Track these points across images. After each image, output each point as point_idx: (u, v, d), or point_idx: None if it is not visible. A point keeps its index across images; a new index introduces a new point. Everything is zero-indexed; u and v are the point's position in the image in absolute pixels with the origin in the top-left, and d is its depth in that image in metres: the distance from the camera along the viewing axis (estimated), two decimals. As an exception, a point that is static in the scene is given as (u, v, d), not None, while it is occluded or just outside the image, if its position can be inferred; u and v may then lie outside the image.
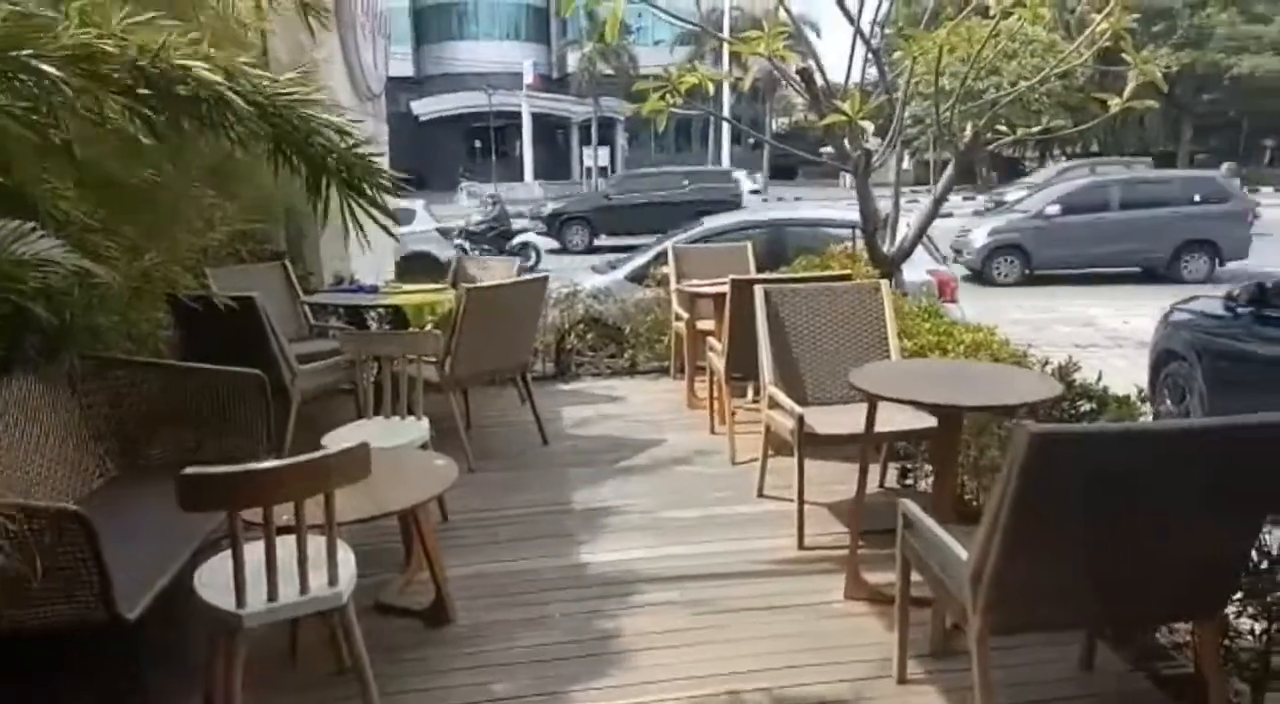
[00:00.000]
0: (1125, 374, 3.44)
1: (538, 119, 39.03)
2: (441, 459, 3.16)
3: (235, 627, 2.21)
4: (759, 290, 3.94)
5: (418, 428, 3.72)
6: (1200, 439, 1.85)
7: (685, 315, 5.63)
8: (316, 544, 2.29)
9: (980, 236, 13.85)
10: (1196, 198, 13.46)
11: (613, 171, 40.94)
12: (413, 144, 23.80)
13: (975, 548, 2.08)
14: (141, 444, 3.44)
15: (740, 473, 4.37)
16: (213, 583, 2.31)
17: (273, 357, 4.26)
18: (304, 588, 2.27)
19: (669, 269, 6.25)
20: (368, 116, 7.70)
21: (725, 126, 30.76)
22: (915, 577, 2.52)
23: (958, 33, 4.51)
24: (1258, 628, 2.35)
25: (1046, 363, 3.31)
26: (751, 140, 43.18)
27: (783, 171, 42.21)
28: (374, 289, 5.53)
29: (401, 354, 3.83)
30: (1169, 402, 5.52)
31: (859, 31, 4.90)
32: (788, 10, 5.32)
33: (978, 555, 2.06)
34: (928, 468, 4.10)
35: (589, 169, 38.47)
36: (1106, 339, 9.91)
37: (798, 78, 5.11)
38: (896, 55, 5.05)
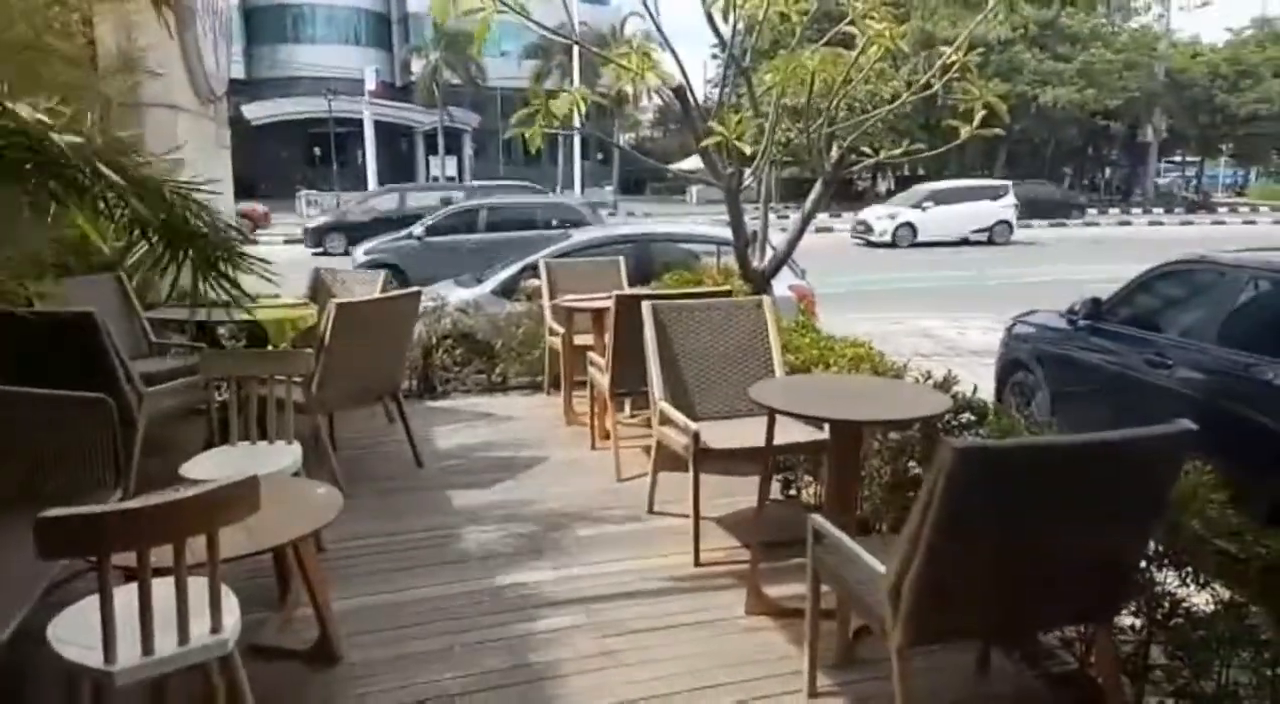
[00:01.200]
0: (964, 381, 3.63)
1: (381, 127, 37.80)
2: (322, 487, 2.95)
3: (104, 685, 1.96)
4: (647, 306, 3.92)
5: (289, 453, 3.46)
6: (1103, 451, 1.96)
7: (561, 330, 5.55)
8: (195, 590, 2.06)
9: (358, 254, 14.83)
10: (554, 221, 14.49)
11: (460, 181, 40.27)
12: (245, 150, 22.41)
13: (894, 561, 2.11)
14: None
15: (627, 489, 4.33)
16: (72, 636, 2.04)
17: (115, 378, 3.86)
18: (184, 637, 2.04)
19: (541, 283, 6.15)
20: (209, 119, 7.20)
21: (576, 140, 30.87)
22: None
23: (828, 58, 4.66)
24: (1136, 623, 2.51)
25: (929, 376, 3.45)
26: (600, 155, 43.58)
27: (632, 186, 42.82)
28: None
29: (271, 374, 3.55)
30: (1015, 408, 5.90)
31: (731, 54, 5.00)
32: (659, 29, 5.38)
33: (897, 568, 2.10)
34: (807, 478, 4.20)
35: (435, 178, 37.65)
36: (946, 348, 10.53)
37: (672, 95, 5.16)
38: (767, 77, 5.17)
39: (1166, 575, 2.41)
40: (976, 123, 5.05)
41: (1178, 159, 48.94)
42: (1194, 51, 40.99)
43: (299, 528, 2.62)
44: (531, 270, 7.03)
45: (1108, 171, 47.57)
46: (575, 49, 25.16)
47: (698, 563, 3.49)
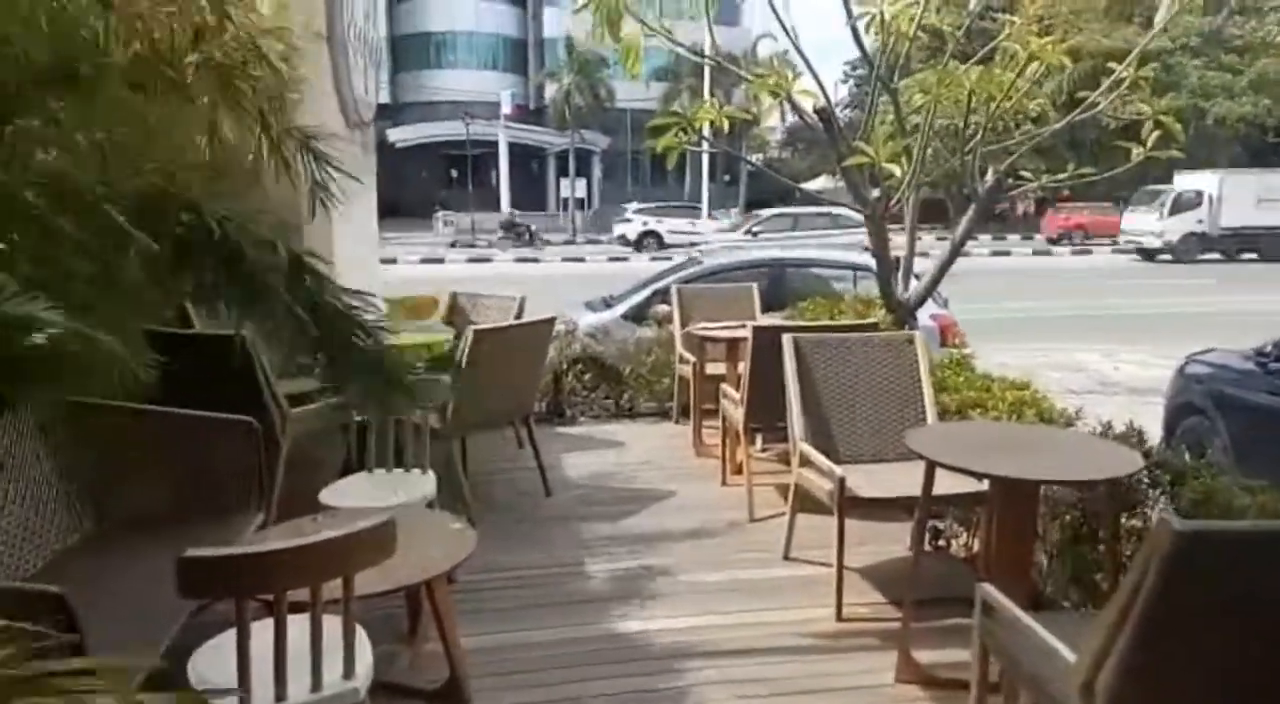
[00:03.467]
0: (1121, 421, 3.27)
1: (514, 149, 38.91)
2: (457, 521, 2.89)
3: (236, 729, 1.91)
4: (788, 340, 3.72)
5: (424, 483, 3.43)
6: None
7: (692, 359, 5.40)
8: (329, 629, 2.00)
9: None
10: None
11: (589, 204, 40.95)
12: (388, 172, 23.53)
13: (1088, 651, 1.84)
14: (117, 497, 3.12)
15: (760, 530, 4.12)
16: (210, 674, 2.01)
17: (262, 400, 3.95)
18: (317, 683, 1.98)
19: (672, 309, 6.03)
20: (356, 145, 7.45)
21: (704, 159, 30.85)
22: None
23: (986, 76, 4.37)
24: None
25: (1109, 426, 3.11)
26: (726, 176, 43.48)
27: (757, 207, 42.48)
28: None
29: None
30: (1187, 457, 5.36)
31: (876, 72, 4.76)
32: (799, 50, 5.19)
33: (1092, 660, 1.82)
34: (957, 527, 3.89)
35: (565, 200, 38.40)
36: (1099, 384, 9.82)
37: (815, 116, 4.96)
38: (916, 97, 4.90)
39: None
40: (1151, 143, 4.64)
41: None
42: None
43: (433, 566, 2.55)
44: (662, 296, 6.94)
45: (1278, 192, 43.87)
46: (706, 71, 25.19)
47: (840, 618, 3.25)
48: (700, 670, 2.92)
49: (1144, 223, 26.72)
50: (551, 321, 4.66)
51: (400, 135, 37.49)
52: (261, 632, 1.92)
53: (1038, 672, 2.06)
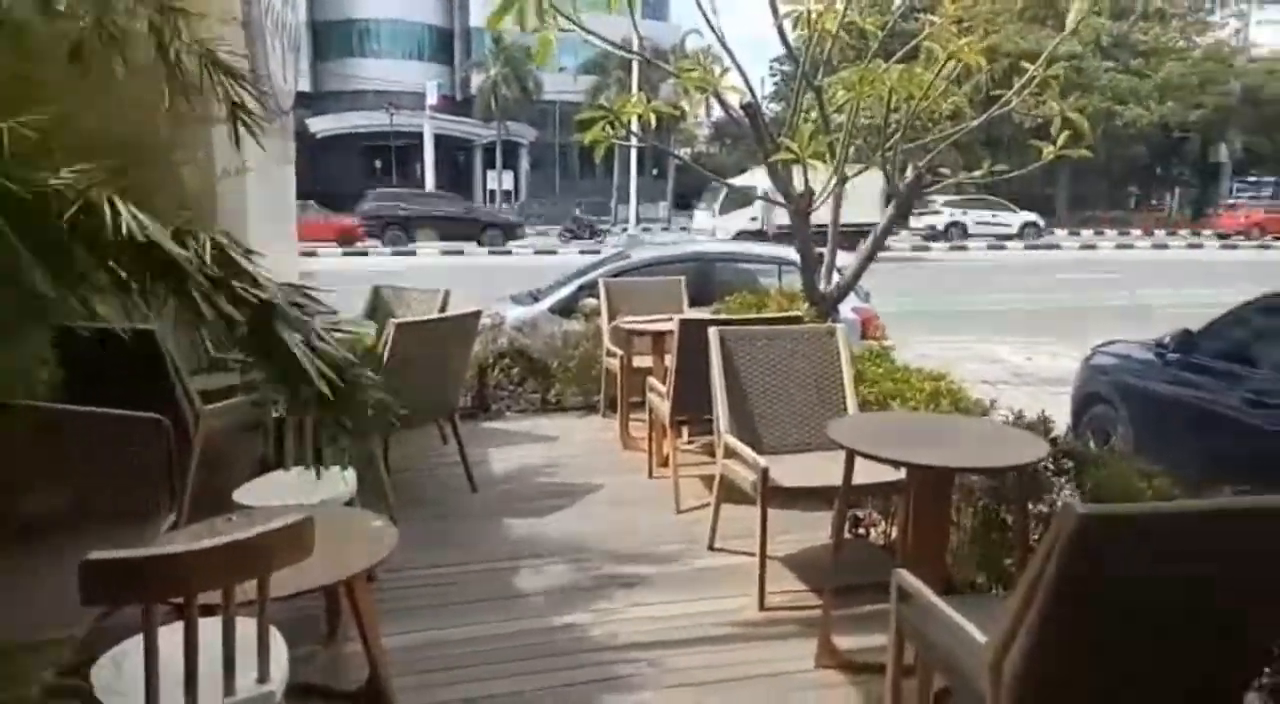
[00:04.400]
0: (1032, 410, 3.40)
1: (441, 140, 38.35)
2: (378, 519, 2.84)
3: (144, 740, 1.84)
4: (713, 333, 3.75)
5: (344, 481, 3.36)
6: (1247, 519, 1.73)
7: (619, 352, 5.41)
8: (244, 631, 1.95)
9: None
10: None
11: (517, 196, 40.61)
12: (309, 162, 22.89)
13: (998, 632, 1.90)
14: (16, 502, 2.97)
15: (686, 522, 4.16)
16: (114, 684, 1.94)
17: (173, 396, 3.81)
18: (229, 689, 1.92)
19: (600, 303, 6.03)
20: (276, 134, 7.23)
21: (633, 153, 30.86)
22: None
23: (907, 75, 4.48)
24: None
25: (1020, 415, 3.22)
26: (654, 170, 43.60)
27: (685, 201, 42.69)
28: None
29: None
30: (1092, 443, 5.59)
31: (803, 70, 4.83)
32: (726, 46, 5.22)
33: (1001, 641, 1.89)
34: (876, 515, 3.98)
35: (492, 191, 38.03)
36: (1012, 375, 10.16)
37: (741, 112, 5.01)
38: (839, 95, 4.99)
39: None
40: (1060, 142, 4.81)
41: (1253, 179, 47.28)
42: (1272, 67, 39.57)
43: (353, 564, 2.50)
44: (589, 289, 6.93)
45: (1176, 191, 46.09)
46: (634, 64, 25.19)
47: (762, 607, 3.30)
48: (626, 663, 2.93)
49: (700, 219, 26.87)
50: (477, 315, 4.61)
51: (322, 125, 36.59)
52: (170, 636, 1.86)
53: (950, 654, 2.13)
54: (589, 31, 4.74)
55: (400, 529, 2.68)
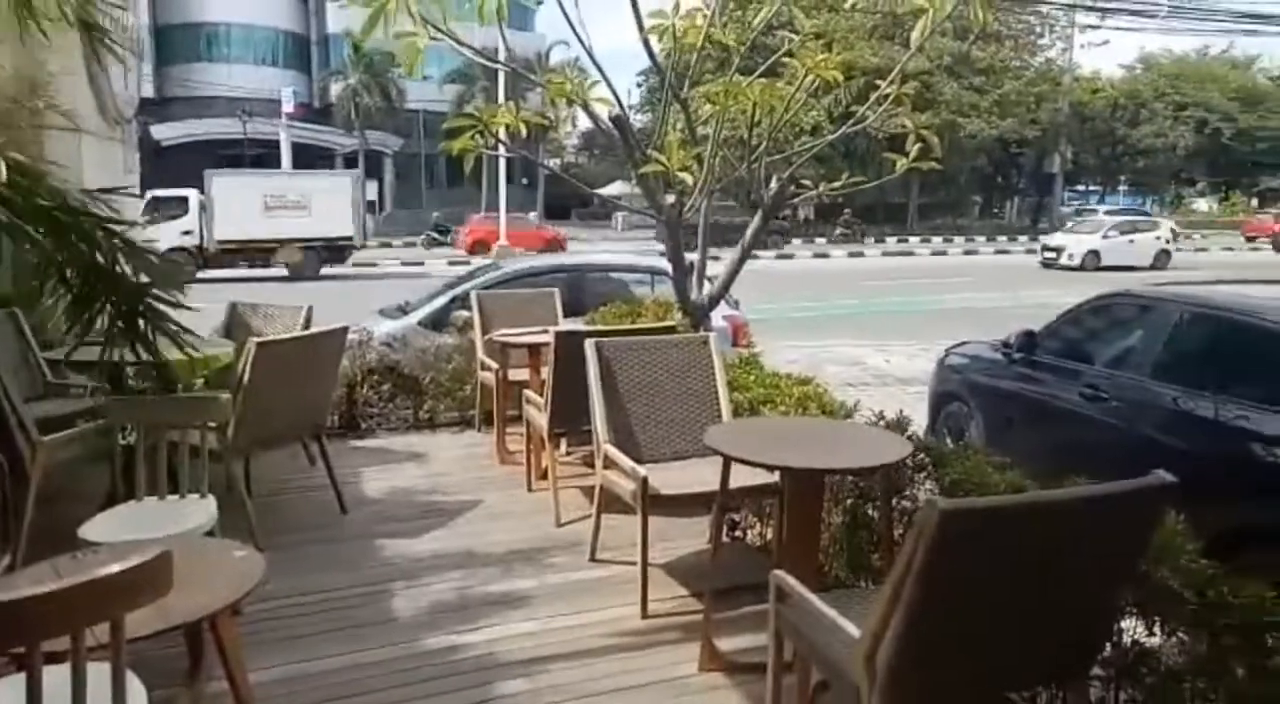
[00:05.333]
0: (892, 411, 3.57)
1: (299, 149, 36.87)
2: (241, 549, 2.70)
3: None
4: (590, 345, 3.75)
5: (202, 509, 3.17)
6: (1089, 505, 1.87)
7: (494, 365, 5.34)
8: (96, 677, 1.81)
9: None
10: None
11: (382, 207, 39.55)
12: (155, 172, 21.43)
13: (869, 625, 1.98)
14: None
15: (567, 534, 4.14)
16: (-56, 746, 1.76)
17: (6, 429, 3.52)
18: (81, 742, 1.78)
19: (473, 315, 5.94)
20: (117, 142, 6.80)
21: (501, 163, 30.56)
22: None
23: (769, 89, 4.62)
24: (1102, 673, 2.44)
25: (881, 416, 3.37)
26: (524, 179, 43.38)
27: (556, 213, 42.68)
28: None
29: (186, 421, 3.27)
30: (949, 440, 5.91)
31: (668, 83, 4.91)
32: (593, 57, 5.26)
33: (873, 633, 1.97)
34: (752, 518, 4.08)
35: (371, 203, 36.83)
36: (873, 377, 10.62)
37: (610, 123, 5.04)
38: (705, 107, 5.10)
39: (1136, 625, 2.35)
40: (913, 155, 5.06)
41: (1081, 188, 51.28)
42: (1094, 86, 43.09)
43: (216, 599, 2.37)
44: (461, 302, 6.82)
45: (1016, 200, 49.48)
46: (501, 75, 25.00)
47: (645, 615, 3.32)
48: (511, 680, 2.88)
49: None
50: (343, 331, 4.46)
51: (168, 133, 34.58)
52: (13, 689, 1.71)
53: (827, 649, 2.20)
54: (459, 42, 4.68)
55: (267, 557, 2.56)
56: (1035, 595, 1.96)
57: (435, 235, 31.71)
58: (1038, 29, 41.44)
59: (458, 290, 7.28)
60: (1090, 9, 35.27)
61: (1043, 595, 1.96)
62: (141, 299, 2.13)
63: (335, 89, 37.54)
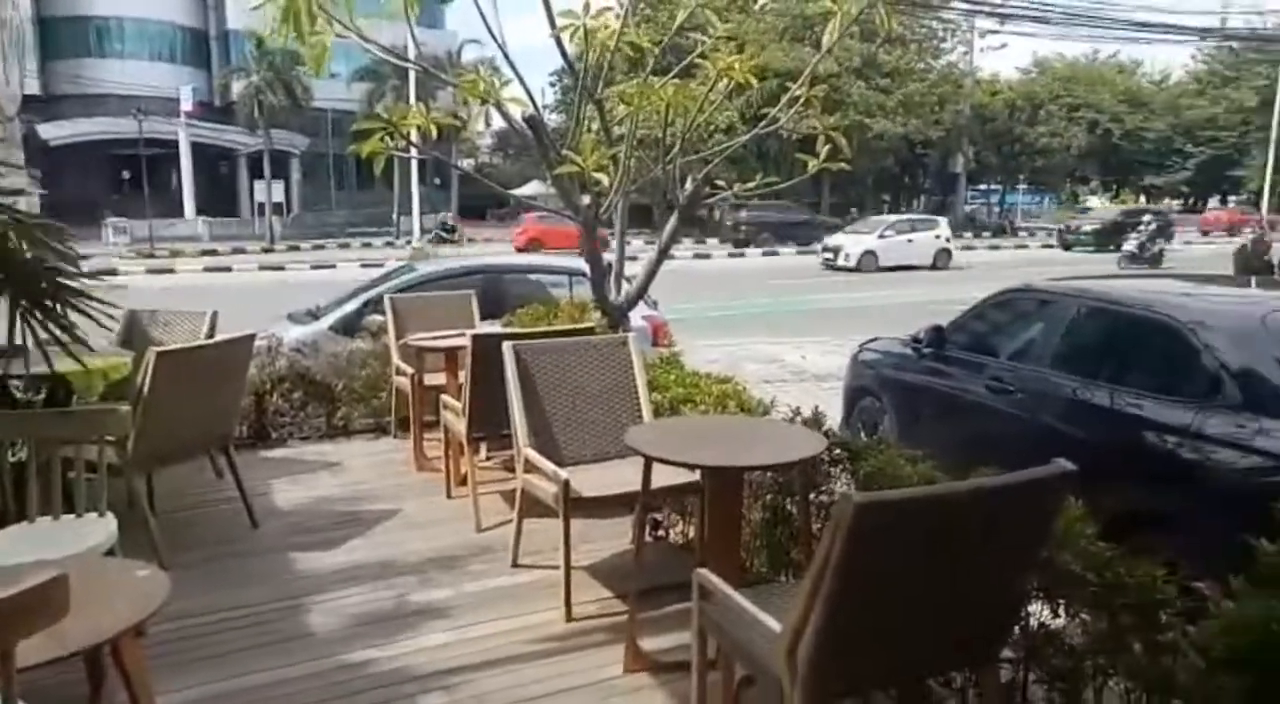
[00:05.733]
0: (809, 406, 3.63)
1: (200, 150, 35.64)
2: (144, 568, 2.57)
3: None
4: (508, 348, 3.72)
5: (100, 528, 3.02)
6: (997, 495, 1.94)
7: (410, 370, 5.24)
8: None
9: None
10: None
11: (289, 208, 38.47)
12: (42, 173, 20.37)
13: (790, 619, 2.01)
14: None
15: (488, 540, 4.09)
16: None
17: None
18: (-31, 782, 1.68)
19: (386, 320, 5.81)
20: (-2, 141, 6.43)
21: (413, 163, 30.02)
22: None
23: (683, 90, 4.65)
24: (1012, 655, 2.53)
25: (798, 413, 3.43)
26: (437, 180, 42.75)
27: (472, 213, 42.17)
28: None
29: (81, 436, 3.11)
30: (863, 434, 6.06)
31: (583, 83, 4.90)
32: (506, 56, 5.21)
33: (794, 627, 2.00)
34: (675, 516, 4.10)
35: (261, 205, 35.67)
36: (791, 374, 10.81)
37: (523, 123, 5.00)
38: (619, 108, 5.11)
39: (1041, 608, 2.45)
40: (824, 157, 5.17)
41: (984, 187, 53.24)
42: (994, 89, 44.82)
43: (117, 621, 2.25)
44: (374, 306, 6.67)
45: (922, 199, 51.10)
46: (411, 73, 24.57)
47: (569, 619, 3.31)
48: (434, 692, 2.83)
49: None
50: (250, 339, 4.30)
51: (56, 132, 32.93)
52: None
53: (749, 645, 2.23)
54: (367, 39, 4.58)
55: (173, 576, 2.45)
56: (947, 583, 2.02)
57: (443, 234, 31.55)
58: (940, 33, 42.91)
59: (370, 294, 7.13)
60: (989, 14, 36.66)
61: (954, 583, 2.03)
62: (51, 278, 2.01)
63: (237, 87, 36.24)
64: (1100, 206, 46.99)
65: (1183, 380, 3.97)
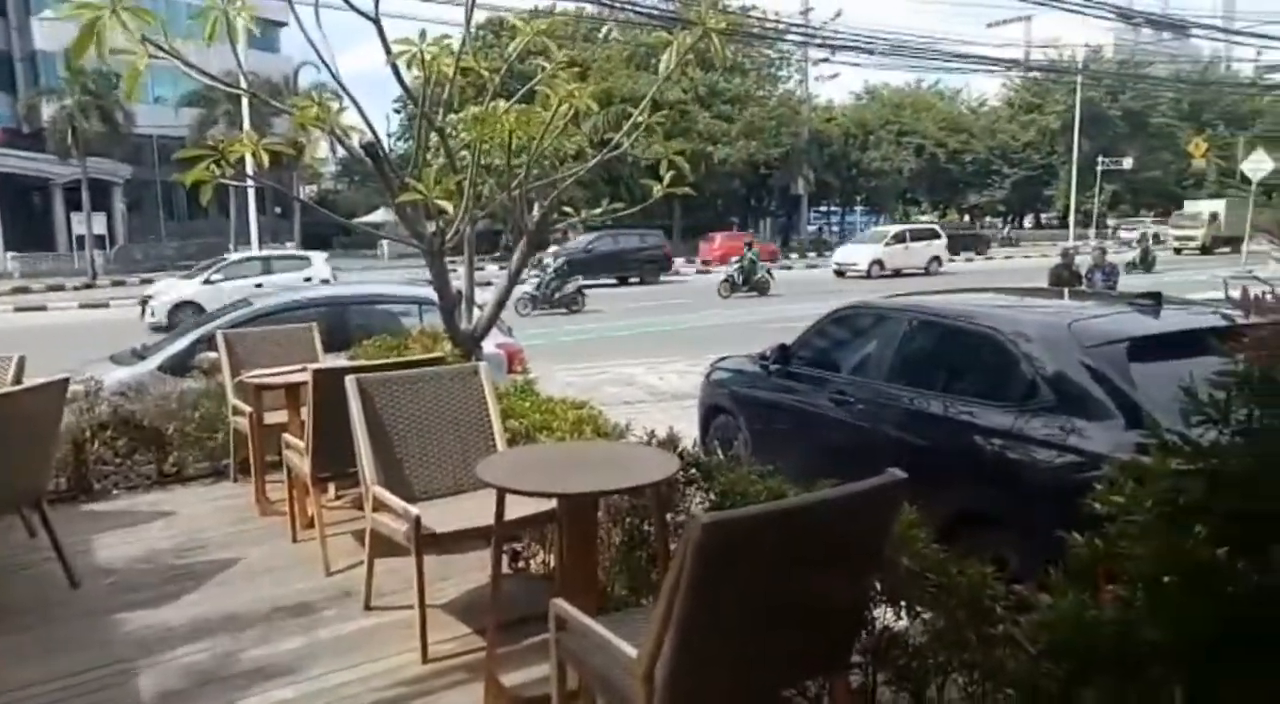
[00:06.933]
0: (666, 428, 3.68)
1: (5, 179, 32.74)
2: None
3: None
4: (350, 382, 3.57)
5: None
6: (837, 506, 2.02)
7: (248, 409, 4.96)
8: None
9: None
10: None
11: (112, 242, 35.96)
12: None
13: (645, 644, 2.02)
14: None
15: (338, 584, 3.91)
16: None
17: None
18: None
19: (220, 357, 5.49)
20: None
21: (250, 192, 28.63)
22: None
23: (526, 116, 4.65)
24: (860, 660, 2.63)
25: (653, 435, 3.45)
26: (278, 208, 41.01)
27: (316, 242, 40.55)
28: None
29: None
30: (719, 451, 6.19)
31: (423, 110, 4.82)
32: (339, 82, 5.07)
33: (649, 651, 2.00)
34: (535, 546, 4.05)
35: (80, 237, 33.06)
36: (649, 395, 10.93)
37: (363, 151, 4.87)
38: (463, 133, 5.05)
39: (886, 612, 2.55)
40: (667, 181, 5.27)
41: (824, 208, 55.87)
42: (829, 115, 47.29)
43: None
44: (206, 343, 6.29)
45: (769, 220, 53.08)
46: (244, 98, 23.53)
47: (425, 660, 3.20)
48: (278, 752, 2.67)
49: None
50: (63, 384, 3.95)
51: None
52: None
53: (608, 673, 2.21)
54: (189, 64, 4.34)
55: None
56: (796, 595, 2.08)
57: None
58: (776, 62, 44.93)
59: (203, 331, 6.72)
60: (820, 45, 38.65)
61: (803, 594, 2.09)
62: None
63: (48, 111, 33.57)
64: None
65: (1005, 387, 4.26)
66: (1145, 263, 27.69)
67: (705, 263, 33.51)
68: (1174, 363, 2.93)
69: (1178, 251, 40.21)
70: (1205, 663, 1.67)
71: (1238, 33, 42.90)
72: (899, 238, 31.63)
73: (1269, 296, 1.90)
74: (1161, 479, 1.86)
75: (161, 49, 4.06)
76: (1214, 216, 41.95)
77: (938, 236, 32.73)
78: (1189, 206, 45.00)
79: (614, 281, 27.84)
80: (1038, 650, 2.02)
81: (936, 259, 31.34)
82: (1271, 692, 1.63)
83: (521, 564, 4.02)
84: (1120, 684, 1.78)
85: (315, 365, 4.39)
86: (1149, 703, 1.72)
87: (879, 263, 30.04)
